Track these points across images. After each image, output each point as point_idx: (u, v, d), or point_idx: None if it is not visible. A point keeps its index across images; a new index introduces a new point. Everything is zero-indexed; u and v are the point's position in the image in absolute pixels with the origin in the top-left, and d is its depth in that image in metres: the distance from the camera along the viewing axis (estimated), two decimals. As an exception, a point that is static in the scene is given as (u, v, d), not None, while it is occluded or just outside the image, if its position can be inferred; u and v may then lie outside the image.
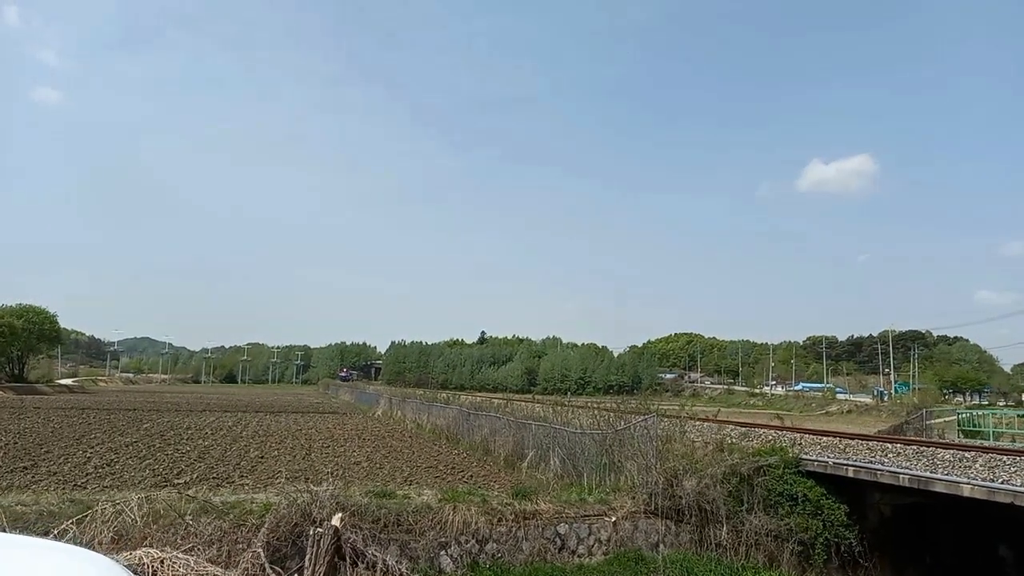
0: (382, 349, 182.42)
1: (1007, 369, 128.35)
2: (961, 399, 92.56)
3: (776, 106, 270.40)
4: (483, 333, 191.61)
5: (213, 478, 18.12)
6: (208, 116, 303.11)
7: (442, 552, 11.74)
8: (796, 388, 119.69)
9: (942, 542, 14.55)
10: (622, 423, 15.81)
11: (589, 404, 23.70)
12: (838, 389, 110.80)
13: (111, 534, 9.53)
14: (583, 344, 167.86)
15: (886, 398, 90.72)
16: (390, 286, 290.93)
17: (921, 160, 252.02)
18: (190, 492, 12.26)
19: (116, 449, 22.95)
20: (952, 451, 14.92)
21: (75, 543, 9.00)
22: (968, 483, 11.21)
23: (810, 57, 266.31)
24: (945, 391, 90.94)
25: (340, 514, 10.47)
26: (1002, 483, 11.19)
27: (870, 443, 17.22)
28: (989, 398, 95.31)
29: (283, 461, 21.72)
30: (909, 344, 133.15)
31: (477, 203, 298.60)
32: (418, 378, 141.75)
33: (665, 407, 16.89)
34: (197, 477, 18.10)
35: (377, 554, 10.53)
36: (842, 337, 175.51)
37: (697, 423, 17.66)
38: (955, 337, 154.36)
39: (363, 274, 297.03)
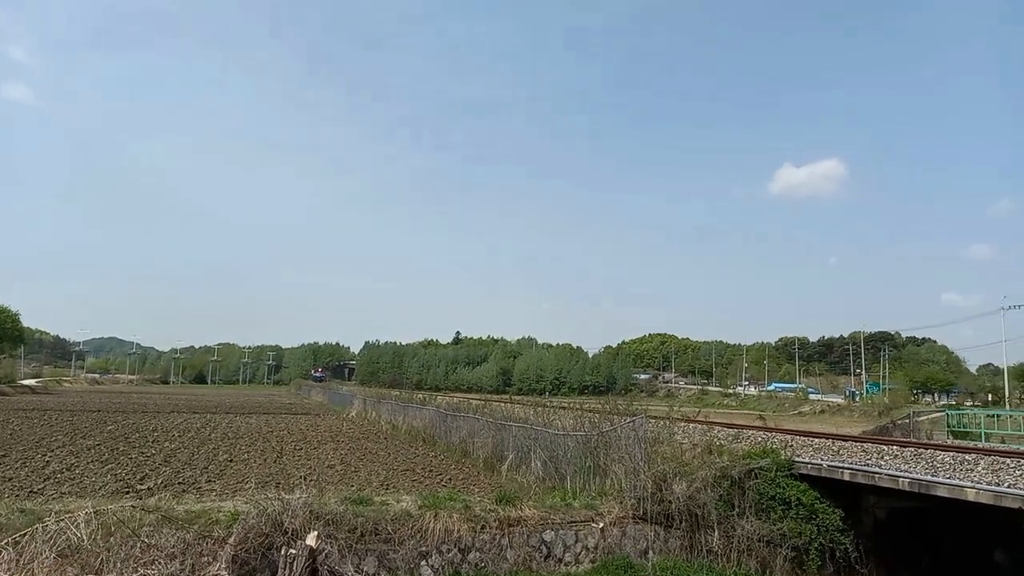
0: (356, 349, 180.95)
1: (973, 370, 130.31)
2: (930, 399, 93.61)
3: (748, 110, 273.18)
4: (458, 333, 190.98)
5: (179, 483, 17.27)
6: (182, 116, 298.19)
7: (423, 562, 11.10)
8: (769, 388, 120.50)
9: (938, 547, 14.21)
10: (608, 424, 15.25)
11: (572, 404, 23.17)
12: (810, 390, 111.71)
13: (54, 554, 8.66)
14: (558, 345, 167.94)
15: (858, 398, 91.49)
16: (364, 286, 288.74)
17: (888, 164, 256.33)
18: (151, 500, 11.48)
19: (77, 452, 21.92)
20: (951, 453, 14.55)
21: (11, 567, 8.19)
22: (972, 487, 10.81)
23: (781, 62, 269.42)
24: (915, 391, 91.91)
25: (315, 532, 9.76)
26: (1008, 487, 10.82)
27: (864, 445, 16.85)
28: (957, 398, 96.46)
29: (253, 465, 20.86)
30: (879, 345, 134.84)
31: (451, 204, 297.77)
32: (392, 378, 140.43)
33: (653, 408, 16.37)
34: (162, 482, 17.21)
35: (354, 572, 9.85)
36: (814, 338, 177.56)
37: (682, 424, 17.12)
38: (923, 338, 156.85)
39: (337, 274, 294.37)
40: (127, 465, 19.80)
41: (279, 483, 17.14)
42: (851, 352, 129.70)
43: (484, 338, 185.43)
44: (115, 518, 9.97)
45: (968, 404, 74.48)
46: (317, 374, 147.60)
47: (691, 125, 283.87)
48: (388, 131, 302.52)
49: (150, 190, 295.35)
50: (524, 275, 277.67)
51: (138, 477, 17.94)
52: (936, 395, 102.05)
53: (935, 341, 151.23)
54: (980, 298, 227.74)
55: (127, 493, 15.25)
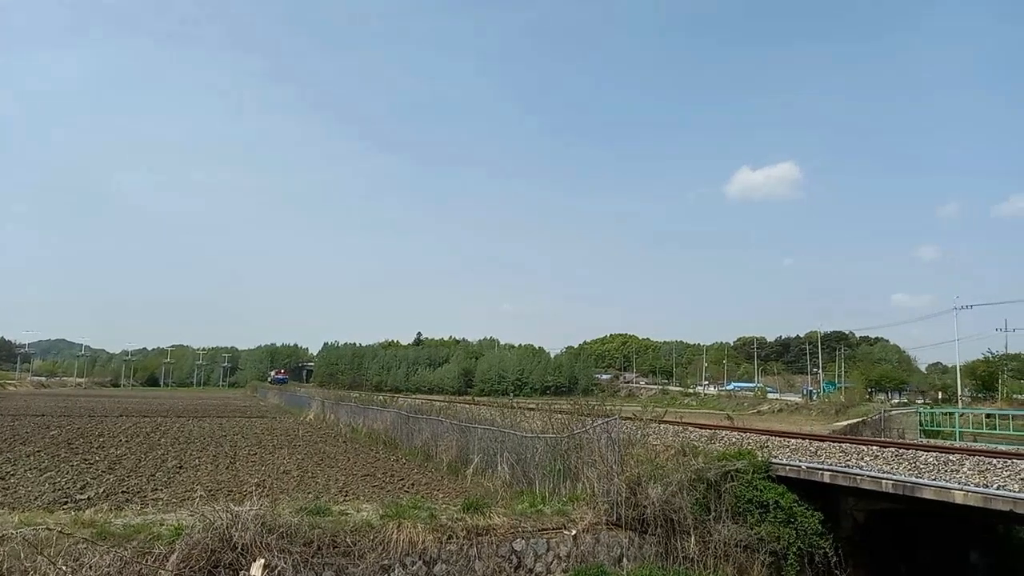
0: (314, 350, 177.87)
1: (923, 368, 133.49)
2: (884, 397, 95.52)
3: (707, 114, 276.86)
4: (419, 334, 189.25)
5: (123, 492, 16.16)
6: (134, 113, 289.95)
7: (384, 576, 10.32)
8: (728, 388, 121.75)
9: (917, 549, 13.95)
10: (580, 426, 14.64)
11: (539, 405, 22.54)
12: (768, 388, 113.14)
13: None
14: (520, 345, 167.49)
15: (815, 397, 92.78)
16: (321, 287, 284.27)
17: (841, 167, 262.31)
18: (87, 513, 10.51)
19: (14, 460, 20.53)
20: (935, 453, 14.27)
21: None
22: (960, 489, 10.46)
23: (738, 68, 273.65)
24: (869, 389, 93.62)
25: (261, 561, 8.89)
26: (997, 488, 10.49)
27: (843, 445, 16.54)
28: (908, 396, 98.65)
29: (204, 471, 19.78)
30: (834, 344, 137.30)
31: (411, 204, 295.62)
32: (352, 380, 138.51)
33: (619, 408, 15.82)
34: (104, 492, 16.08)
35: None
36: (771, 338, 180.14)
37: (654, 425, 16.59)
38: (876, 338, 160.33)
39: (293, 274, 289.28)
40: (68, 473, 18.57)
41: (231, 491, 16.20)
42: (807, 351, 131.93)
43: (446, 339, 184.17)
44: (43, 534, 9.02)
45: (919, 402, 76.10)
46: (278, 376, 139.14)
47: (651, 128, 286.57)
48: (343, 130, 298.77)
49: (95, 187, 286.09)
50: (485, 276, 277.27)
51: (79, 486, 16.77)
52: (889, 393, 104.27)
53: (887, 340, 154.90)
54: (929, 298, 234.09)
55: (65, 504, 14.14)
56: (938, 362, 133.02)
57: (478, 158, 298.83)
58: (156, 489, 16.73)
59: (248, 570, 8.71)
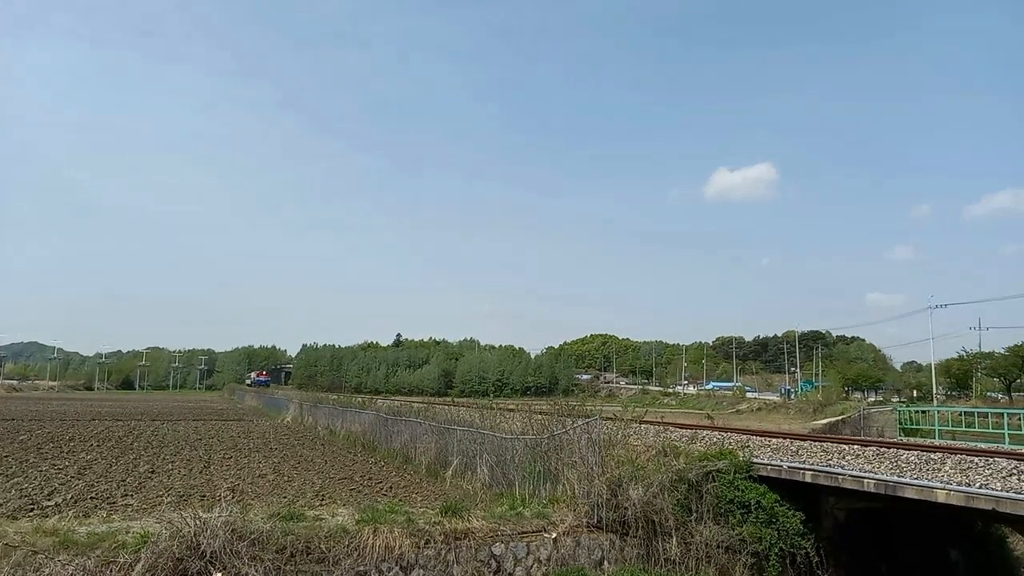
0: (292, 352, 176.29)
1: (897, 367, 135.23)
2: (860, 395, 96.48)
3: (686, 116, 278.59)
4: (398, 335, 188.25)
5: (91, 498, 15.71)
6: (104, 110, 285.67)
7: (360, 583, 10.04)
8: (707, 387, 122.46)
9: (897, 547, 13.92)
10: (560, 427, 14.44)
11: (519, 406, 22.35)
12: (747, 388, 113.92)
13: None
14: (501, 346, 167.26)
15: (793, 396, 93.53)
16: (300, 288, 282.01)
17: (817, 168, 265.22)
18: (51, 521, 10.11)
19: (-19, 466, 19.96)
20: (916, 452, 14.21)
21: None
22: (943, 488, 10.38)
23: (718, 69, 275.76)
24: (846, 388, 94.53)
25: (218, 574, 8.57)
26: (979, 487, 10.44)
27: (824, 444, 16.46)
28: (884, 395, 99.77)
29: (177, 476, 19.35)
30: (811, 344, 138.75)
31: (388, 205, 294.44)
32: (331, 382, 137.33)
33: (607, 408, 15.65)
34: (72, 497, 15.63)
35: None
36: (749, 338, 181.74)
37: (635, 425, 16.43)
38: (852, 337, 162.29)
39: (271, 276, 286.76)
40: (35, 479, 18.07)
41: (204, 496, 15.80)
42: (785, 351, 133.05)
43: (425, 340, 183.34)
44: (1, 544, 8.67)
45: (895, 400, 76.98)
46: (260, 378, 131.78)
47: (630, 129, 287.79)
48: (322, 130, 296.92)
49: (68, 186, 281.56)
50: (464, 277, 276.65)
51: (46, 492, 16.28)
52: (865, 392, 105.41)
53: (863, 339, 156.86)
54: (903, 298, 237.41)
55: (31, 511, 13.71)
56: (913, 361, 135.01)
57: (454, 159, 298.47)
58: (126, 495, 16.30)
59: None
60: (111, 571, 8.77)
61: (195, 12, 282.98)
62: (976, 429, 30.72)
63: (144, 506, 14.52)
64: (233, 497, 15.16)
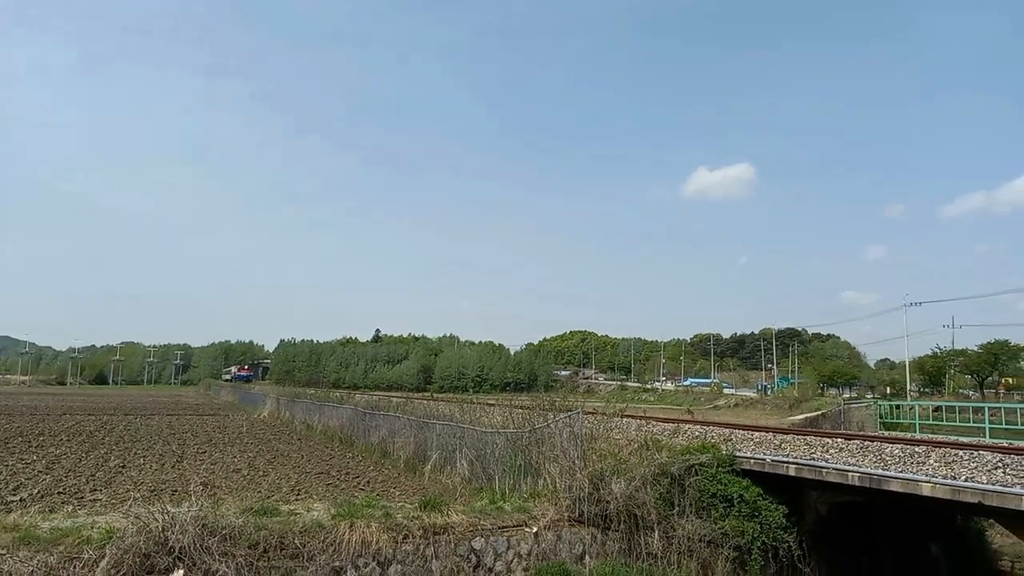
0: (270, 348, 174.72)
1: (871, 364, 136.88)
2: (835, 392, 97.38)
3: (666, 116, 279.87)
4: (377, 331, 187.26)
5: (58, 493, 15.30)
6: (74, 109, 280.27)
7: (336, 579, 9.75)
8: (685, 383, 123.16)
9: (879, 541, 13.88)
10: (542, 420, 14.23)
11: (499, 401, 22.13)
12: (724, 384, 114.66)
13: None
14: (480, 342, 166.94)
15: (769, 392, 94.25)
16: (278, 284, 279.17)
17: (793, 169, 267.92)
18: (11, 517, 9.70)
19: (-54, 461, 19.38)
20: (900, 445, 14.19)
21: None
22: (928, 481, 10.30)
23: (702, 70, 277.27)
24: (822, 385, 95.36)
25: (180, 570, 8.25)
26: (965, 480, 10.36)
27: (807, 438, 16.41)
28: (859, 391, 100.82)
29: (148, 471, 18.92)
30: (788, 341, 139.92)
31: (370, 202, 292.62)
32: (309, 377, 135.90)
33: (586, 404, 15.47)
34: (39, 492, 15.22)
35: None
36: (726, 335, 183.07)
37: (617, 419, 16.26)
38: (828, 334, 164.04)
39: (249, 272, 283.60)
40: (1, 473, 17.57)
41: (175, 491, 15.45)
42: (762, 348, 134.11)
43: (404, 336, 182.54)
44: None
45: (869, 396, 77.82)
46: (240, 373, 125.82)
47: (612, 128, 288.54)
48: (300, 128, 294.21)
49: (39, 182, 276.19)
50: (444, 274, 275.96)
51: (11, 487, 15.88)
52: (840, 388, 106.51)
53: (839, 337, 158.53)
54: (877, 296, 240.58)
55: (-5, 506, 13.28)
56: (886, 358, 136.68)
57: (440, 158, 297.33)
58: (95, 490, 15.89)
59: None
60: (74, 568, 8.41)
61: (186, 13, 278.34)
62: (957, 423, 31.02)
63: (113, 501, 14.13)
64: (205, 492, 14.78)
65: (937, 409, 38.71)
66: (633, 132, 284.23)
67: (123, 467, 19.42)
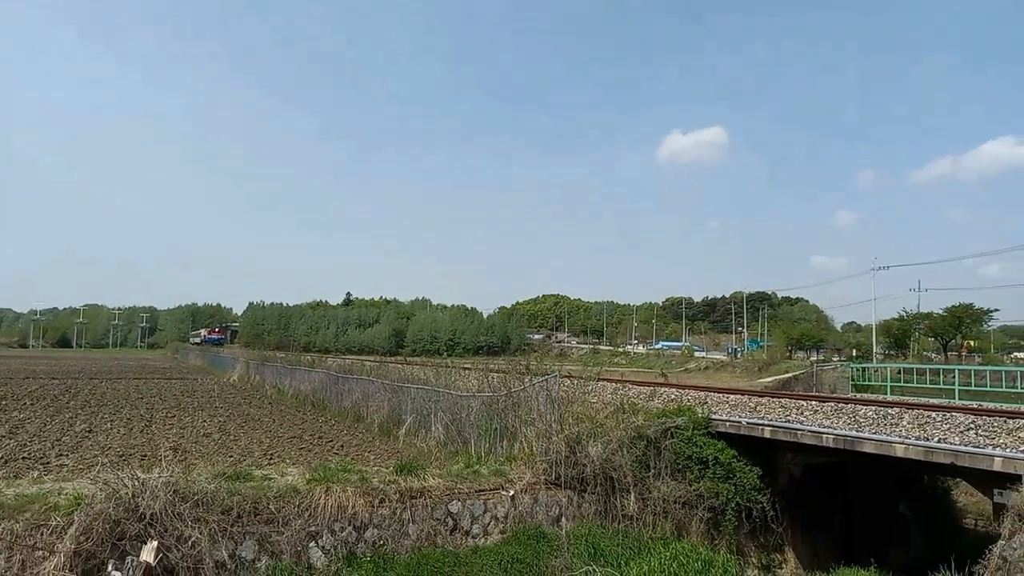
0: (239, 311, 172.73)
1: (838, 327, 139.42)
2: (803, 355, 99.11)
3: (640, 80, 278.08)
4: (348, 294, 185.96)
5: (23, 458, 14.89)
6: (41, 82, 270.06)
7: (312, 544, 9.67)
8: (657, 347, 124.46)
9: (850, 501, 14.14)
10: (519, 384, 14.15)
11: (475, 364, 22.03)
12: (696, 347, 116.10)
13: None
14: (453, 306, 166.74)
15: (739, 355, 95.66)
16: (246, 246, 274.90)
17: (765, 133, 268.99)
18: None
19: (-99, 427, 18.79)
20: (874, 407, 14.39)
21: None
22: (901, 442, 10.43)
23: (672, 32, 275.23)
24: (790, 347, 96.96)
25: (154, 542, 8.07)
26: (938, 441, 10.51)
27: (783, 400, 16.57)
28: (826, 354, 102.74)
29: (116, 435, 18.52)
30: (758, 304, 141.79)
31: (338, 164, 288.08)
32: (279, 341, 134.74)
33: (569, 367, 15.42)
34: (3, 458, 14.80)
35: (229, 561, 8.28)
36: (698, 298, 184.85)
37: (594, 382, 16.25)
38: (797, 298, 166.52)
39: (215, 233, 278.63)
40: (-38, 439, 17.07)
41: (144, 456, 15.13)
42: (733, 311, 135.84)
43: (376, 299, 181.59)
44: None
45: (835, 359, 79.33)
46: (212, 336, 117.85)
47: (583, 93, 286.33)
48: (264, 87, 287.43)
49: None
50: (417, 236, 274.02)
51: (-27, 453, 15.37)
52: (808, 351, 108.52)
53: (807, 300, 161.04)
54: (845, 260, 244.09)
55: (-45, 473, 12.88)
56: (853, 321, 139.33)
57: (409, 125, 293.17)
58: (61, 455, 15.49)
59: (140, 555, 7.86)
60: (42, 534, 8.20)
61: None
62: (924, 384, 31.69)
63: (80, 467, 13.78)
64: (176, 457, 14.53)
65: (898, 371, 39.52)
66: (607, 96, 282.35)
67: (90, 432, 19.00)
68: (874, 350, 69.88)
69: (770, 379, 46.19)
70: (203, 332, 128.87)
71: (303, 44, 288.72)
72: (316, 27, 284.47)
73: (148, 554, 7.81)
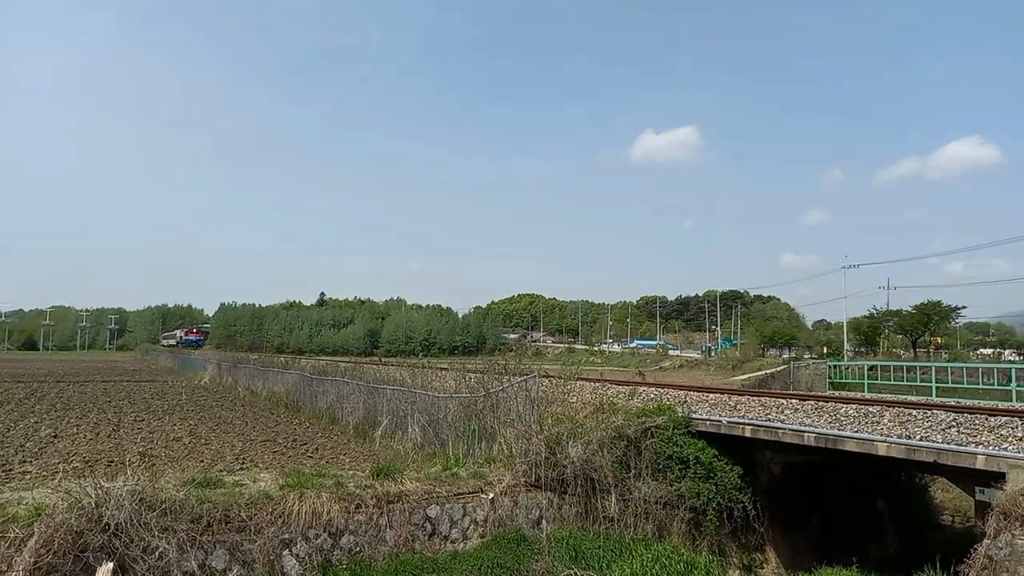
0: (210, 311, 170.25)
1: (809, 325, 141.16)
2: (775, 352, 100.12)
3: (618, 78, 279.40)
4: (322, 294, 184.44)
5: (-16, 466, 14.30)
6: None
7: (285, 552, 9.36)
8: (632, 345, 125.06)
9: (829, 499, 14.15)
10: (497, 384, 13.93)
11: (452, 364, 21.77)
12: (669, 346, 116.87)
13: None
14: (428, 305, 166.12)
15: (713, 353, 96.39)
16: (217, 246, 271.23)
17: (736, 134, 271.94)
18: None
19: None
20: (855, 405, 14.38)
21: None
22: (883, 441, 10.40)
23: (648, 33, 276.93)
24: (763, 345, 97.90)
25: (110, 564, 7.72)
26: (920, 439, 10.48)
27: (763, 399, 16.52)
28: (797, 351, 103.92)
29: (83, 440, 17.95)
30: (730, 303, 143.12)
31: (310, 161, 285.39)
32: (251, 342, 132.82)
33: (547, 367, 15.24)
34: (-38, 465, 14.20)
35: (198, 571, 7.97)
36: (672, 297, 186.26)
37: (573, 382, 16.09)
38: (768, 296, 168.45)
39: (185, 233, 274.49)
40: (-80, 445, 16.43)
41: (112, 462, 14.63)
42: (706, 310, 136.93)
43: (350, 299, 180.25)
44: None
45: (807, 356, 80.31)
46: (190, 337, 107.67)
47: (559, 93, 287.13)
48: (237, 80, 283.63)
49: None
50: (390, 236, 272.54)
51: (-69, 460, 14.78)
52: (780, 349, 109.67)
53: (779, 299, 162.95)
54: (815, 259, 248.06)
55: (-87, 482, 12.33)
56: (823, 319, 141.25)
57: (381, 119, 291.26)
58: (24, 461, 14.93)
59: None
60: (1, 548, 7.81)
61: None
62: (892, 382, 32.07)
63: (44, 474, 13.27)
64: (143, 462, 14.10)
65: (872, 368, 40.00)
66: (583, 94, 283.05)
67: (55, 437, 18.42)
68: (844, 347, 70.76)
69: (744, 377, 46.44)
70: (179, 333, 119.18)
71: (286, 33, 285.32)
72: (293, 16, 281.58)
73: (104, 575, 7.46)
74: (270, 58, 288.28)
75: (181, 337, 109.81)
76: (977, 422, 11.98)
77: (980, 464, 9.31)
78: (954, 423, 11.82)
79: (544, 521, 11.93)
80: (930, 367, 31.84)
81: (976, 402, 18.84)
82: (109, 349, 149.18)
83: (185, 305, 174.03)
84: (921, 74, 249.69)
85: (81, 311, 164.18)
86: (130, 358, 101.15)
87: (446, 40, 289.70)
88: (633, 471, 12.58)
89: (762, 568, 13.19)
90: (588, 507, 12.20)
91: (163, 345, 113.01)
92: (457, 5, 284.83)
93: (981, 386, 30.47)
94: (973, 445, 10.02)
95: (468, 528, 11.18)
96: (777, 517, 13.44)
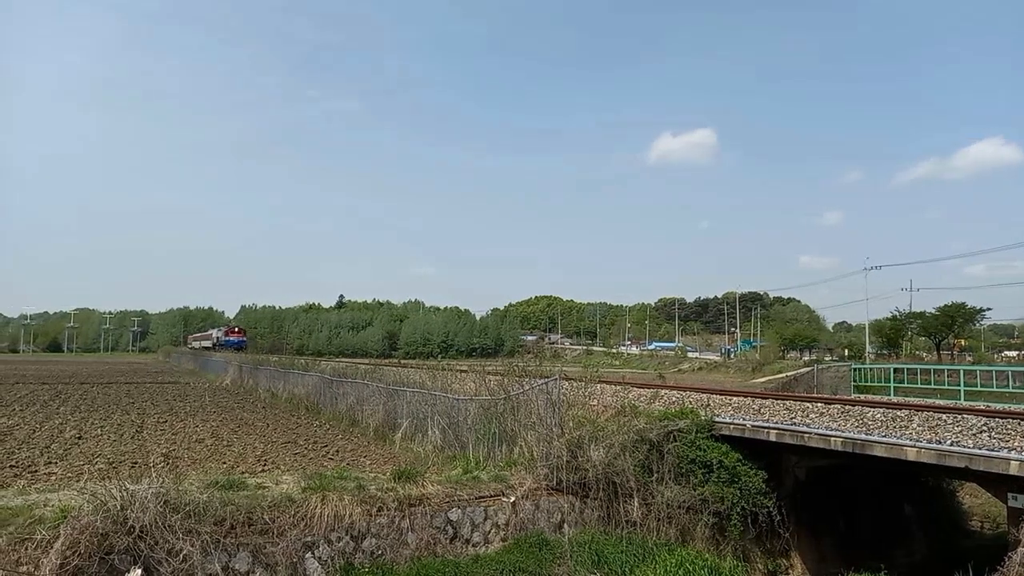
0: (231, 314, 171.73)
1: (829, 327, 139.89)
2: (796, 355, 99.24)
3: (634, 78, 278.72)
4: (341, 297, 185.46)
5: (11, 467, 14.51)
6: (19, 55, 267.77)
7: (308, 555, 9.36)
8: (650, 347, 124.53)
9: (855, 503, 13.94)
10: (518, 387, 13.88)
11: (472, 367, 21.75)
12: (688, 348, 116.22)
13: None
14: (446, 308, 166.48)
15: (733, 355, 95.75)
16: (239, 248, 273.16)
17: (754, 134, 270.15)
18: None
19: None
20: (882, 409, 14.16)
21: None
22: (913, 446, 10.22)
23: (662, 33, 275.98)
24: (783, 347, 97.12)
25: (139, 569, 7.74)
26: (951, 444, 10.29)
27: (787, 402, 16.33)
28: (817, 354, 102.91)
29: (107, 442, 18.16)
30: (750, 305, 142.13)
31: (329, 163, 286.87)
32: (272, 344, 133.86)
33: (566, 369, 15.17)
34: (-11, 466, 14.40)
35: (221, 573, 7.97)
36: (690, 299, 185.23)
37: (594, 385, 15.98)
38: (788, 298, 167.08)
39: (207, 236, 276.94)
40: (-52, 447, 16.68)
41: (135, 463, 14.79)
42: (725, 312, 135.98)
43: (369, 301, 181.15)
44: None
45: (828, 359, 79.50)
46: (231, 338, 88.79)
47: (579, 93, 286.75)
48: (255, 76, 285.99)
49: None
50: (409, 237, 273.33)
51: (-41, 461, 14.99)
52: (800, 351, 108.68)
53: (799, 300, 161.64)
54: (833, 260, 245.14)
55: (-58, 482, 12.51)
56: (843, 321, 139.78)
57: (399, 117, 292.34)
58: (50, 463, 15.12)
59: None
60: (26, 549, 7.86)
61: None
62: (931, 386, 31.62)
63: (69, 475, 13.44)
64: (167, 464, 14.21)
65: (897, 371, 39.47)
66: (598, 97, 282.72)
67: (80, 438, 18.64)
68: (866, 350, 69.93)
69: (764, 379, 46.07)
70: (214, 332, 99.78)
71: (308, 30, 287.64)
72: (289, 16, 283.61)
73: (135, 578, 7.48)
74: (278, 52, 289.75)
75: (218, 338, 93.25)
76: (1009, 427, 11.74)
77: (1013, 470, 9.09)
78: (985, 427, 11.59)
79: (566, 525, 11.85)
80: (958, 370, 31.32)
81: (1006, 406, 18.48)
82: (132, 351, 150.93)
83: (207, 308, 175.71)
84: (943, 73, 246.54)
85: (104, 313, 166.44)
86: (152, 359, 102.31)
87: (460, 43, 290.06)
88: (656, 475, 12.47)
89: (787, 574, 13.03)
90: (610, 511, 12.11)
91: (195, 347, 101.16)
92: (472, 6, 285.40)
93: (1009, 389, 29.95)
94: (1006, 450, 9.83)
95: (489, 532, 11.13)
96: (803, 522, 13.27)
